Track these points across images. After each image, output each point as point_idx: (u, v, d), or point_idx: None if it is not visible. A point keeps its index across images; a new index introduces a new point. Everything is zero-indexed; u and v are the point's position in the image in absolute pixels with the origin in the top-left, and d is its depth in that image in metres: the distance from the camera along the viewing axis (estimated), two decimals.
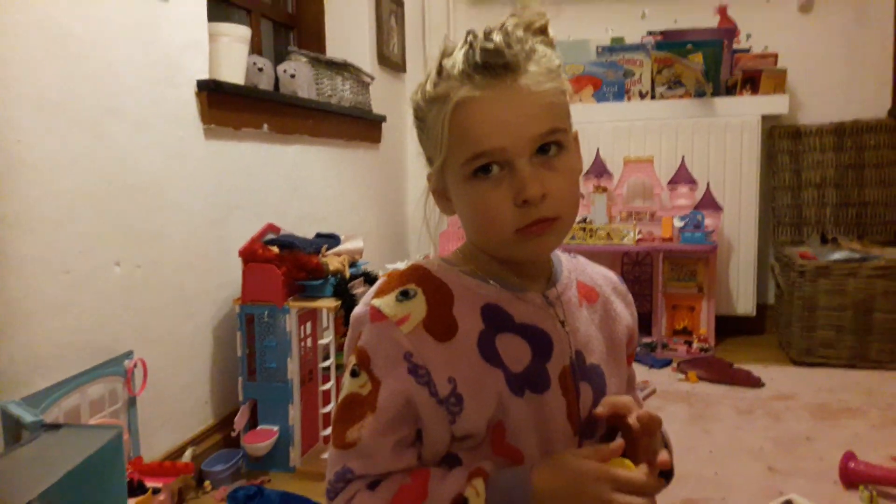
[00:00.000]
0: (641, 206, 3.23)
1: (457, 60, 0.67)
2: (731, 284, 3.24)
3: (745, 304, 3.23)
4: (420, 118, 0.73)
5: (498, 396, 0.70)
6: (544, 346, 0.74)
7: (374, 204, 3.14)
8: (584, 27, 3.39)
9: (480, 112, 0.67)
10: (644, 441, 0.73)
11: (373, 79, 2.96)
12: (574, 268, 0.84)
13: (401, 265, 2.92)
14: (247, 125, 2.08)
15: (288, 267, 1.90)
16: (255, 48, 2.65)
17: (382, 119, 3.12)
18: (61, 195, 1.42)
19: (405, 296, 0.71)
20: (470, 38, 0.67)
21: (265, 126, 2.18)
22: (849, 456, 1.80)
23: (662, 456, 0.73)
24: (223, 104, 1.95)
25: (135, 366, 1.59)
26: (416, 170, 3.67)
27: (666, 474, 0.76)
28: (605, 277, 0.88)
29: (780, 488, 1.78)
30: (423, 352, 0.68)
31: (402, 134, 3.57)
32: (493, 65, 0.66)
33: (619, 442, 0.72)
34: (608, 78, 3.26)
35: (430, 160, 0.74)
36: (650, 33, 3.26)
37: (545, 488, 0.68)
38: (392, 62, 3.34)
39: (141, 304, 1.67)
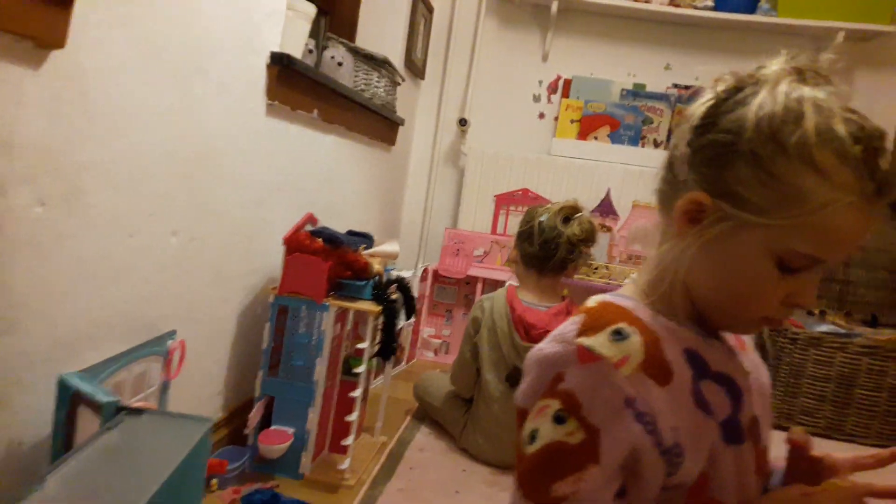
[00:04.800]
0: (640, 250, 3.25)
1: (851, 149, 0.61)
2: None
3: None
4: (768, 156, 0.62)
5: (711, 447, 0.67)
6: (737, 396, 0.72)
7: (375, 206, 3.04)
8: (607, 67, 3.41)
9: (852, 223, 0.62)
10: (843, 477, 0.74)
11: (404, 80, 2.88)
12: None
13: (406, 273, 2.83)
14: (301, 107, 1.97)
15: (334, 262, 1.79)
16: None
17: (402, 122, 3.04)
18: (144, 150, 1.27)
19: (620, 335, 0.66)
20: (865, 136, 0.62)
21: (315, 111, 2.07)
22: None
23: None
24: (288, 82, 1.83)
25: (177, 347, 1.45)
26: (415, 178, 3.59)
27: None
28: None
29: None
30: (647, 397, 0.63)
31: (409, 140, 3.49)
32: (885, 188, 0.63)
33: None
34: (626, 121, 3.29)
35: (732, 195, 0.65)
36: (675, 86, 3.31)
37: None
38: (416, 67, 3.26)
39: (189, 280, 1.53)
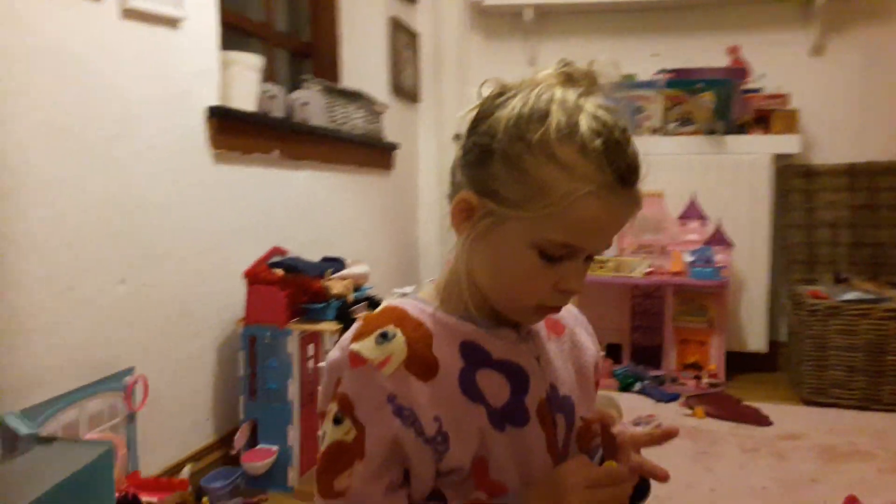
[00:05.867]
0: (652, 239, 3.23)
1: (591, 143, 0.65)
2: (743, 320, 3.21)
3: (756, 340, 3.20)
4: (516, 154, 0.67)
5: (480, 432, 0.71)
6: (521, 381, 0.75)
7: (384, 229, 3.17)
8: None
9: (600, 211, 0.66)
10: (626, 454, 0.75)
11: (386, 107, 3.01)
12: None
13: (408, 289, 2.94)
14: (256, 150, 2.13)
15: (291, 289, 1.92)
16: (271, 77, 2.72)
17: (395, 147, 3.17)
18: (67, 216, 1.46)
19: (384, 338, 0.70)
20: (606, 130, 0.66)
21: (276, 152, 2.23)
22: (851, 500, 1.77)
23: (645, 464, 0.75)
24: (232, 130, 2.00)
25: (135, 382, 1.61)
26: (427, 196, 3.71)
27: (643, 491, 0.79)
28: (567, 310, 0.89)
29: None
30: (407, 393, 0.68)
31: (415, 161, 3.62)
32: (626, 178, 0.67)
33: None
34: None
35: (492, 193, 0.69)
36: (661, 71, 3.29)
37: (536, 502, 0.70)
38: (406, 92, 3.39)
39: (144, 322, 1.70)
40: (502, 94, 0.71)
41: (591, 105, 0.68)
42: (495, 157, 0.68)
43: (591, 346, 0.88)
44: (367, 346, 0.69)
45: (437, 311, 0.74)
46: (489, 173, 0.69)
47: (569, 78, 0.71)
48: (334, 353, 0.73)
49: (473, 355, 0.73)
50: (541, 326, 0.81)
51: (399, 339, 0.70)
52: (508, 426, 0.72)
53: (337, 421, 0.70)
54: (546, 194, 0.66)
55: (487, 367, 0.73)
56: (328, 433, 0.71)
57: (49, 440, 1.18)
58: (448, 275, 0.78)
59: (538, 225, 0.67)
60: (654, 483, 0.79)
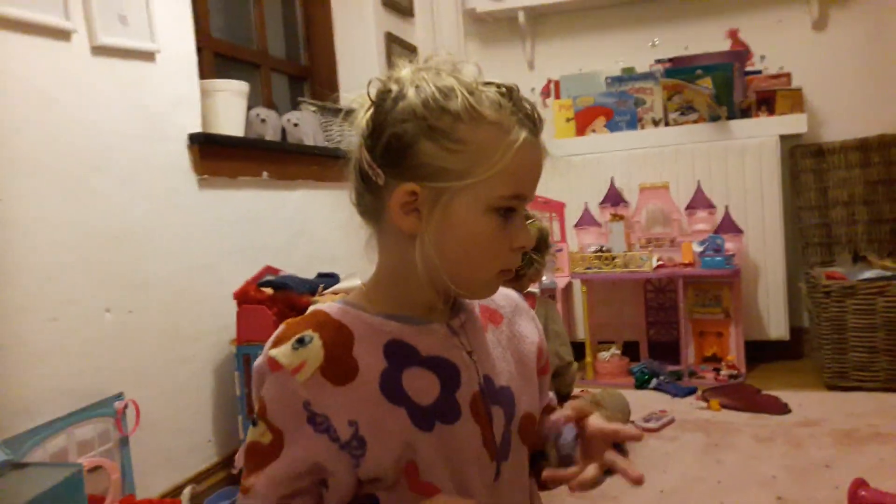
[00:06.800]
0: (661, 232, 3.18)
1: (502, 101, 0.71)
2: (762, 308, 3.12)
3: (777, 328, 3.11)
4: (447, 127, 0.69)
5: (403, 436, 0.70)
6: (452, 377, 0.74)
7: None
8: (594, 60, 3.41)
9: (532, 157, 0.72)
10: (597, 445, 0.75)
11: None
12: None
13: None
14: (244, 174, 2.18)
15: (280, 307, 1.96)
16: (266, 101, 2.78)
17: None
18: (47, 248, 1.52)
19: (301, 343, 0.70)
20: (505, 90, 0.72)
21: (265, 174, 2.27)
22: (859, 483, 1.70)
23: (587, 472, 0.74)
24: (216, 156, 2.05)
25: (125, 406, 1.66)
26: None
27: None
28: (505, 297, 0.88)
29: None
30: (321, 398, 0.68)
31: None
32: (536, 122, 0.73)
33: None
34: (619, 108, 3.26)
35: (436, 173, 0.70)
36: (658, 61, 3.25)
37: None
38: None
39: (133, 349, 1.75)
40: (388, 90, 0.72)
41: (470, 77, 0.72)
42: (422, 139, 0.70)
43: (532, 334, 0.87)
44: (283, 352, 0.70)
45: (364, 311, 0.74)
46: (421, 156, 0.70)
47: (429, 70, 0.73)
48: (260, 358, 0.73)
49: (399, 355, 0.73)
50: (476, 317, 0.81)
51: (315, 344, 0.70)
52: (438, 424, 0.71)
53: (255, 423, 0.72)
54: (490, 153, 0.69)
55: (415, 366, 0.73)
56: (249, 432, 0.73)
57: (22, 465, 1.22)
58: (378, 273, 0.78)
59: (488, 186, 0.69)
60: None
